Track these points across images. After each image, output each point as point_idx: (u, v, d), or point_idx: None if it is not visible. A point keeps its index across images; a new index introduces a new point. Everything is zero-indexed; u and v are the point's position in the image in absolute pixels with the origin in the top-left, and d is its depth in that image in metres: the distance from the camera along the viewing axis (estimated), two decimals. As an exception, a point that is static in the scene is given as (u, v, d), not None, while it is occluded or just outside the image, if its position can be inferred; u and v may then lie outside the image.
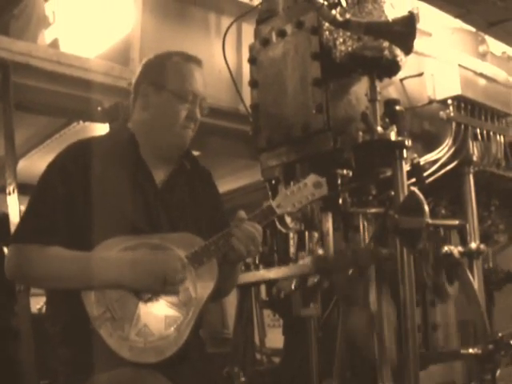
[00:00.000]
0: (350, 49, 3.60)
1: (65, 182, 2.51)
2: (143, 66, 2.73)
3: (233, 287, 3.00)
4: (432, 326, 4.15)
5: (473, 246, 4.22)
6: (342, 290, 3.80)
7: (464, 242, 4.28)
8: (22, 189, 4.16)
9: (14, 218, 4.05)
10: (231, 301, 6.37)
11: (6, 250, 4.15)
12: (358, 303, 3.78)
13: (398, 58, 3.65)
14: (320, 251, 3.86)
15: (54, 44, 5.62)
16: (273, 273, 4.10)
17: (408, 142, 3.69)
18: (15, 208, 4.13)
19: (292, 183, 2.82)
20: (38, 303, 5.79)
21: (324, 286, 3.81)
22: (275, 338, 5.07)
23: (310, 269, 3.79)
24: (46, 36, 5.87)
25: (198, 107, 2.67)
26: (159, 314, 2.38)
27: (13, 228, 3.78)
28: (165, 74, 2.64)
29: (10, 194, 4.19)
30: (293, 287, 3.89)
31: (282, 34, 3.97)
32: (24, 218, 2.60)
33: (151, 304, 2.39)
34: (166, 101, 2.62)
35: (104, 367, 2.31)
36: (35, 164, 5.73)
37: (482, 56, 4.93)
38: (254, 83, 4.11)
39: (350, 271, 3.74)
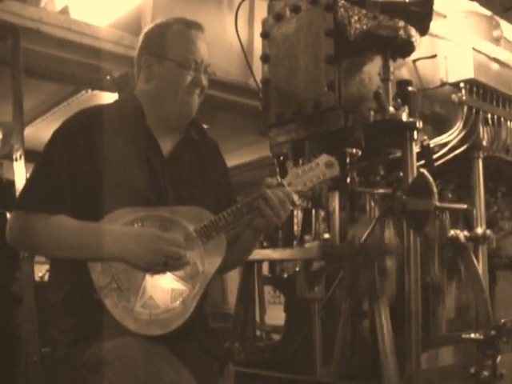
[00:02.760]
0: (364, 27, 3.58)
1: (71, 150, 2.48)
2: (144, 36, 2.70)
3: (245, 259, 2.99)
4: (433, 310, 4.14)
5: (479, 231, 4.21)
6: (347, 279, 3.80)
7: (470, 226, 4.27)
8: (28, 156, 4.15)
9: (20, 184, 4.03)
10: (232, 276, 6.38)
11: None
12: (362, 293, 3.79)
13: (413, 39, 3.62)
14: (326, 235, 3.85)
15: (64, 11, 5.57)
16: (277, 253, 4.10)
17: (419, 124, 3.67)
18: (22, 174, 4.12)
19: (302, 162, 2.79)
20: (40, 271, 5.80)
21: (328, 270, 3.80)
22: (275, 315, 5.08)
23: (315, 254, 3.78)
24: (57, 3, 5.82)
25: (203, 73, 2.64)
26: (166, 286, 2.37)
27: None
28: (165, 43, 2.60)
29: (16, 160, 4.17)
30: (297, 269, 3.89)
31: (295, 9, 3.94)
32: (29, 185, 2.57)
33: (158, 276, 2.37)
34: (169, 70, 2.59)
35: (107, 337, 2.30)
36: (42, 131, 5.72)
37: (496, 41, 4.89)
38: (265, 58, 4.08)
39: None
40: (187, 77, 2.59)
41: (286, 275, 4.15)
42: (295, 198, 2.57)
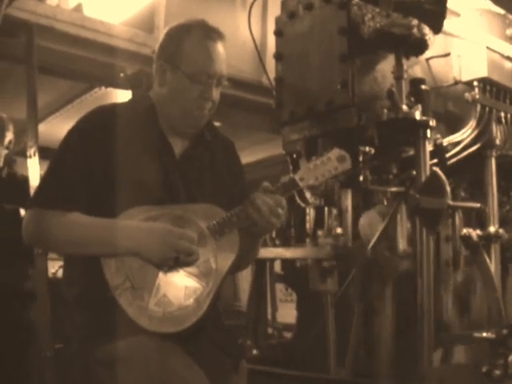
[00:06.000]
0: (378, 25, 3.58)
1: (85, 148, 2.48)
2: (164, 37, 2.67)
3: (253, 260, 2.98)
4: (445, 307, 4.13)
5: (491, 229, 4.20)
6: (358, 285, 3.81)
7: (482, 225, 4.26)
8: (42, 152, 4.17)
9: (34, 181, 4.05)
10: (244, 274, 6.38)
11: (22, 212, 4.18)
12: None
13: (427, 37, 3.62)
14: (338, 229, 3.84)
15: (78, 9, 5.58)
16: (290, 252, 4.10)
17: (432, 122, 3.67)
18: (36, 171, 4.13)
19: (315, 157, 2.78)
20: (53, 267, 5.81)
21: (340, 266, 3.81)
22: (286, 313, 5.08)
23: (327, 254, 3.78)
24: (70, 0, 5.83)
25: (215, 86, 2.59)
26: (179, 284, 2.37)
27: (32, 191, 3.77)
28: (180, 53, 2.56)
29: (30, 156, 4.18)
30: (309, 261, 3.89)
31: (309, 7, 3.94)
32: (43, 183, 2.58)
33: (171, 274, 2.37)
34: (180, 81, 2.56)
35: (120, 334, 2.31)
36: (55, 128, 5.74)
37: (510, 39, 4.87)
38: (278, 56, 4.08)
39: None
40: (197, 91, 2.55)
41: (298, 264, 4.14)
42: (304, 198, 2.56)
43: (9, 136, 4.50)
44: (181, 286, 2.37)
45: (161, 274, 2.37)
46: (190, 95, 2.56)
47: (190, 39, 2.57)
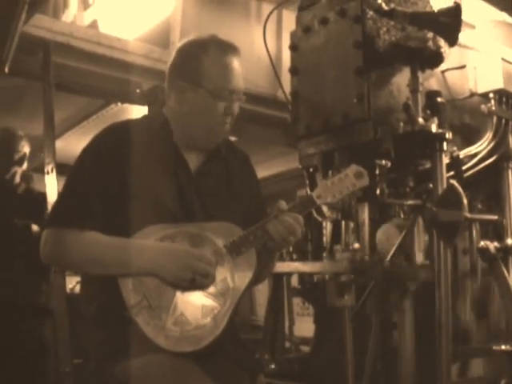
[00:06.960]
0: (393, 38, 3.58)
1: (100, 166, 2.49)
2: (179, 55, 2.65)
3: (269, 274, 2.98)
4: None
5: (509, 242, 4.18)
6: (376, 298, 3.79)
7: (500, 237, 4.24)
8: (58, 169, 4.20)
9: (52, 197, 4.07)
10: (260, 288, 6.38)
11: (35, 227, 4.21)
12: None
13: (442, 50, 3.62)
14: (356, 245, 3.83)
15: (93, 25, 5.63)
16: (307, 266, 4.09)
17: (448, 135, 3.66)
18: (53, 187, 4.16)
19: (331, 173, 2.77)
20: (70, 283, 5.83)
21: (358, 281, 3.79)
22: (304, 327, 5.07)
23: (345, 268, 3.77)
24: (85, 17, 5.87)
25: (235, 101, 2.60)
26: (196, 303, 2.37)
27: (50, 207, 3.79)
28: (200, 71, 2.55)
29: (48, 173, 4.21)
30: (327, 277, 3.88)
31: (324, 21, 3.94)
32: (59, 201, 2.59)
33: (188, 293, 2.37)
34: (203, 99, 2.55)
35: (138, 353, 2.30)
36: (72, 145, 5.77)
37: (525, 51, 4.87)
38: (294, 70, 4.08)
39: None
40: (220, 107, 2.55)
41: (315, 279, 4.13)
42: (327, 210, 2.55)
43: (21, 152, 4.52)
44: (198, 305, 2.37)
45: (178, 293, 2.37)
46: (214, 112, 2.56)
47: (209, 56, 2.57)
